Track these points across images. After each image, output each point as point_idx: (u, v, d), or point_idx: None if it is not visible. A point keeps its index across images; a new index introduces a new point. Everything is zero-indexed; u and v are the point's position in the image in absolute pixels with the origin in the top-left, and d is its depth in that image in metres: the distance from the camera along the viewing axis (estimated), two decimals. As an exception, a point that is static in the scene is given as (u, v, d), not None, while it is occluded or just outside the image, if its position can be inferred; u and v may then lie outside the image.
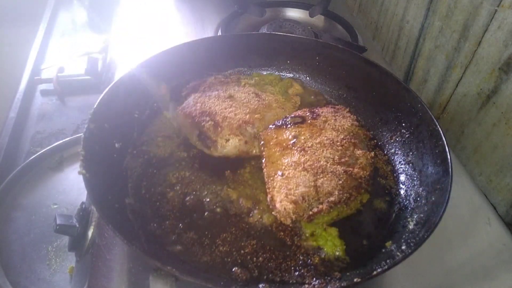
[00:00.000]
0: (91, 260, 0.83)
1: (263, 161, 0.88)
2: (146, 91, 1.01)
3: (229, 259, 0.75)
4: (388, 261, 0.69)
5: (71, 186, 1.21)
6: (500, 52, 0.90)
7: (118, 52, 1.45)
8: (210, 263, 0.74)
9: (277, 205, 0.78)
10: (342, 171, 0.82)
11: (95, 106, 0.86)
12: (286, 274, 0.73)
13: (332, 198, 0.79)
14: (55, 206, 1.16)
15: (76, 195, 1.17)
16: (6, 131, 1.35)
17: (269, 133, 0.92)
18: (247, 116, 0.94)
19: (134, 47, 1.37)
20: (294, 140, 0.88)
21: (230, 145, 0.91)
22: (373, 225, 0.83)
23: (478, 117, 0.99)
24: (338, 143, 0.88)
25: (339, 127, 0.92)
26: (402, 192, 0.88)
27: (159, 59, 1.01)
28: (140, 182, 0.87)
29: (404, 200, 0.86)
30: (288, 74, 1.16)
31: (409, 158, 0.92)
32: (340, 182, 0.81)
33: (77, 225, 0.89)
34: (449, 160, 0.80)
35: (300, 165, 0.83)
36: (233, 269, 0.73)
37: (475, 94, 0.99)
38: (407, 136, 0.96)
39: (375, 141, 1.00)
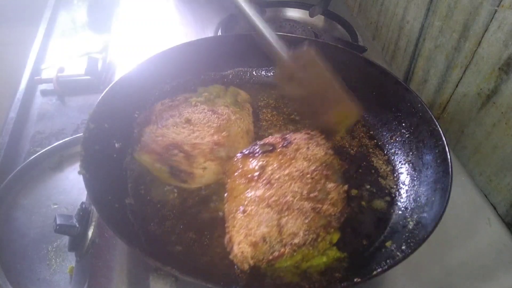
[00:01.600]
0: (91, 260, 0.83)
1: (225, 195, 0.81)
2: (146, 91, 1.01)
3: (228, 259, 0.75)
4: (388, 261, 0.69)
5: (71, 186, 1.21)
6: (500, 52, 0.90)
7: (118, 52, 1.45)
8: (210, 263, 0.74)
9: (234, 247, 0.70)
10: (310, 208, 0.73)
11: (95, 106, 0.86)
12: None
13: (296, 240, 0.71)
14: (55, 206, 1.16)
15: (76, 195, 1.17)
16: (6, 131, 1.35)
17: (234, 163, 0.84)
18: (215, 136, 0.88)
19: (134, 47, 1.37)
20: (261, 171, 0.79)
21: (208, 173, 0.85)
22: (373, 225, 0.83)
23: (478, 117, 0.99)
24: (309, 175, 0.78)
25: (311, 157, 0.82)
26: (402, 192, 0.88)
27: (159, 59, 1.01)
28: (140, 182, 0.87)
29: (404, 200, 0.86)
30: (288, 74, 1.15)
31: (409, 158, 0.93)
32: (307, 221, 0.72)
33: (77, 225, 0.89)
34: (449, 160, 0.80)
35: (264, 201, 0.74)
36: (233, 269, 0.73)
37: (475, 94, 0.99)
38: (407, 136, 0.96)
39: (375, 141, 1.00)
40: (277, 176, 0.78)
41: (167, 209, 0.83)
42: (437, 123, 0.87)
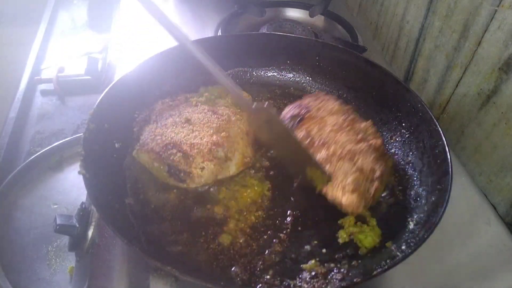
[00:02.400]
0: (91, 260, 0.83)
1: None
2: (146, 91, 1.01)
3: (228, 259, 0.75)
4: (388, 261, 0.69)
5: (71, 186, 1.21)
6: (500, 52, 0.90)
7: (118, 52, 1.45)
8: (209, 263, 0.74)
9: (343, 200, 0.80)
10: (366, 147, 0.86)
11: (95, 106, 0.86)
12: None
13: (378, 173, 0.83)
14: (55, 206, 1.16)
15: (76, 195, 1.17)
16: (6, 131, 1.35)
17: None
18: (214, 137, 0.88)
19: (134, 47, 1.37)
20: (310, 137, 0.89)
21: (206, 173, 0.85)
22: (373, 225, 0.83)
23: (478, 117, 0.99)
24: (345, 125, 0.91)
25: (333, 110, 0.95)
26: (402, 192, 0.88)
27: (159, 59, 1.01)
28: (139, 182, 0.87)
29: (404, 200, 0.86)
30: (288, 74, 1.16)
31: (409, 158, 0.93)
32: (372, 156, 0.85)
33: (77, 225, 0.89)
34: (449, 160, 0.81)
35: (333, 157, 0.84)
36: (232, 269, 0.73)
37: (475, 94, 0.99)
38: (407, 136, 0.96)
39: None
40: (325, 136, 0.88)
41: (167, 209, 0.83)
42: (437, 123, 0.87)
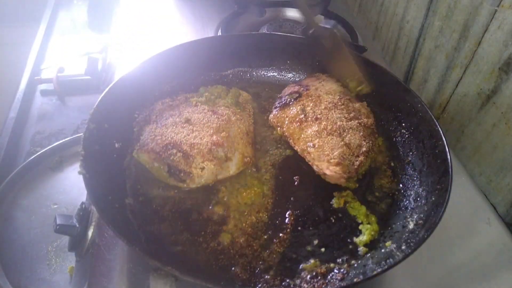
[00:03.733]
0: (91, 260, 0.83)
1: (290, 141, 0.94)
2: (146, 91, 1.01)
3: (228, 259, 0.75)
4: (388, 261, 0.69)
5: (71, 186, 1.21)
6: (500, 52, 0.90)
7: (118, 52, 1.45)
8: (209, 263, 0.74)
9: (327, 172, 0.86)
10: (357, 124, 0.92)
11: (95, 106, 0.86)
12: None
13: (364, 149, 0.89)
14: (55, 206, 1.16)
15: (76, 195, 1.17)
16: (6, 131, 1.35)
17: (278, 115, 0.98)
18: (214, 137, 0.88)
19: (134, 47, 1.37)
20: (304, 113, 0.95)
21: (206, 173, 0.85)
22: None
23: (478, 117, 0.99)
24: (339, 103, 0.97)
25: (330, 90, 1.01)
26: (402, 192, 0.88)
27: (159, 59, 1.01)
28: (139, 182, 0.87)
29: (404, 200, 0.86)
30: (288, 74, 1.16)
31: (409, 158, 0.93)
32: (361, 133, 0.91)
33: (77, 225, 0.89)
34: (449, 160, 0.80)
35: (323, 131, 0.90)
36: (232, 269, 0.73)
37: (475, 94, 0.99)
38: (407, 136, 0.96)
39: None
40: (319, 112, 0.95)
41: (167, 209, 0.83)
42: (437, 123, 0.87)
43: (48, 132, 1.39)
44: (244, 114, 0.99)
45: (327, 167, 0.86)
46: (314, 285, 0.70)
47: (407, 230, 0.77)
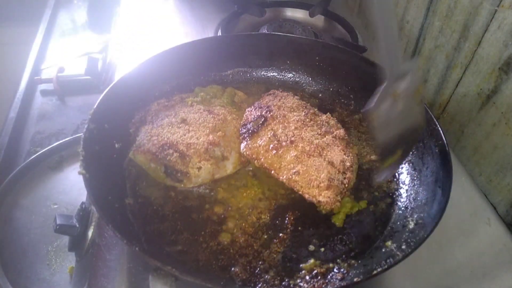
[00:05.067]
0: (91, 260, 0.83)
1: (272, 172, 0.86)
2: (146, 91, 1.01)
3: (228, 259, 0.75)
4: (388, 260, 0.69)
5: (71, 186, 1.21)
6: (500, 52, 0.90)
7: (118, 52, 1.45)
8: (209, 263, 0.74)
9: (320, 199, 0.80)
10: (332, 138, 0.90)
11: (95, 106, 0.86)
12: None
13: (348, 163, 0.86)
14: (55, 206, 1.16)
15: (76, 195, 1.17)
16: (6, 131, 1.35)
17: (250, 147, 0.90)
18: (210, 136, 0.88)
19: (134, 47, 1.37)
20: (276, 138, 0.89)
21: (203, 172, 0.85)
22: (373, 225, 0.83)
23: (478, 117, 0.99)
24: (307, 120, 0.93)
25: (294, 107, 0.97)
26: (402, 192, 0.88)
27: (159, 59, 1.01)
28: (139, 183, 0.87)
29: (404, 200, 0.86)
30: (288, 74, 1.16)
31: (409, 158, 0.92)
32: (340, 147, 0.88)
33: (77, 225, 0.89)
34: (449, 160, 0.80)
35: (303, 154, 0.86)
36: (232, 269, 0.73)
37: (475, 94, 0.99)
38: (407, 136, 0.96)
39: (375, 141, 1.00)
40: (291, 134, 0.90)
41: (166, 209, 0.83)
42: (437, 123, 0.87)
43: (48, 132, 1.39)
44: (240, 114, 1.00)
45: (319, 193, 0.81)
46: (314, 285, 0.70)
47: (407, 230, 0.77)
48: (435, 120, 0.88)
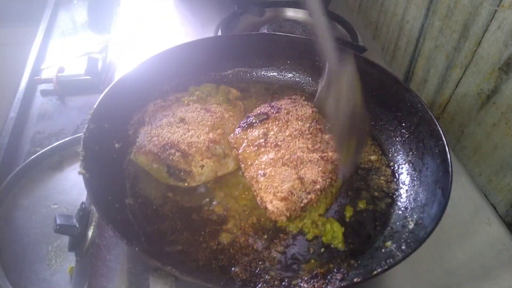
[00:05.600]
0: (91, 260, 0.83)
1: (241, 165, 0.87)
2: (146, 91, 1.01)
3: (228, 259, 0.75)
4: (388, 261, 0.69)
5: (71, 186, 1.21)
6: (500, 52, 0.90)
7: (118, 52, 1.45)
8: (209, 263, 0.74)
9: (268, 206, 0.78)
10: (319, 158, 0.86)
11: (95, 106, 0.86)
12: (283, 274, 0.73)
13: (317, 186, 0.81)
14: (55, 206, 1.16)
15: (76, 195, 1.17)
16: (6, 131, 1.35)
17: (238, 136, 0.91)
18: (210, 134, 0.89)
19: (134, 47, 1.37)
20: (265, 137, 0.89)
21: (206, 170, 0.86)
22: (373, 225, 0.83)
23: (478, 117, 0.99)
24: (307, 132, 0.91)
25: (302, 117, 0.95)
26: (402, 192, 0.88)
27: (159, 59, 1.01)
28: (139, 182, 0.87)
29: (404, 200, 0.86)
30: (288, 74, 1.16)
31: (409, 158, 0.92)
32: (320, 168, 0.84)
33: (77, 225, 0.89)
34: (449, 160, 0.80)
35: (279, 161, 0.84)
36: (232, 269, 0.73)
37: (475, 94, 0.99)
38: (407, 136, 0.96)
39: (375, 141, 1.00)
40: (281, 138, 0.89)
41: (166, 209, 0.83)
42: (437, 123, 0.87)
43: (48, 132, 1.39)
44: (236, 111, 1.01)
45: (271, 200, 0.79)
46: (314, 285, 0.70)
47: (407, 230, 0.77)
48: (435, 120, 0.88)
